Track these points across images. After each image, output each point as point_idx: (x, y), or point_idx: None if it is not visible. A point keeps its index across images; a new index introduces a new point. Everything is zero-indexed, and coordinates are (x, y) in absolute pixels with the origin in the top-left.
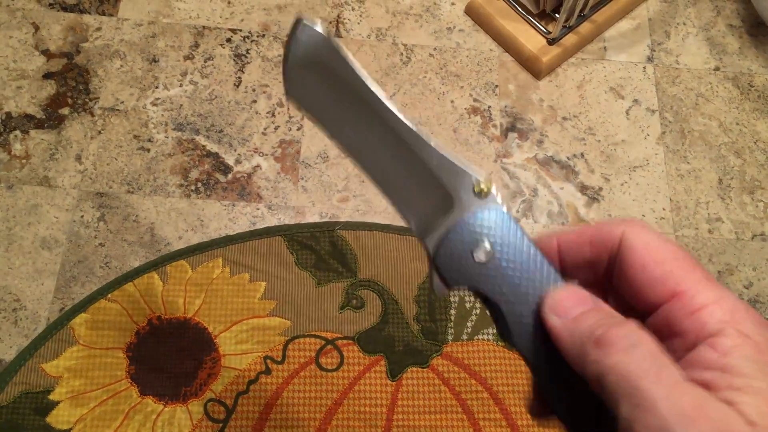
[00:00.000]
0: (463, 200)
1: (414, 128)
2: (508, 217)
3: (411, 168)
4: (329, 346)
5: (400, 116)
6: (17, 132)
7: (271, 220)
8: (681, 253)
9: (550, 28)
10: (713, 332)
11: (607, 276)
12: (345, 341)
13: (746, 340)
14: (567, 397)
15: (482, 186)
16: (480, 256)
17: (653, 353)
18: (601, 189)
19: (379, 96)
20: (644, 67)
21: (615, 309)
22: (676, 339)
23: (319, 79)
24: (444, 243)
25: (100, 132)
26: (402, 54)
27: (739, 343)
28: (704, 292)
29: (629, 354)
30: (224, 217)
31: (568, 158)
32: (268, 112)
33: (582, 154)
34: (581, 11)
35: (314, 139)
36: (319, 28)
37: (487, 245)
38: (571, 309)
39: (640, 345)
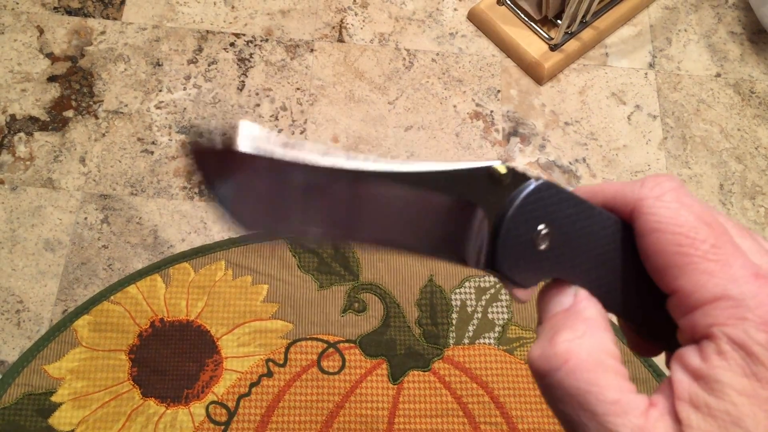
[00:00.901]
0: (491, 199)
1: (397, 167)
2: (545, 187)
3: (421, 208)
4: (331, 349)
5: (376, 166)
6: (21, 134)
7: None
8: (690, 236)
9: (553, 34)
10: (705, 335)
11: None
12: (347, 344)
13: (736, 348)
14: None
15: (501, 170)
16: (543, 243)
17: (576, 375)
18: None
19: (342, 164)
20: (646, 73)
21: None
22: (684, 335)
23: (264, 191)
24: (502, 252)
25: (104, 134)
26: (405, 59)
27: (726, 351)
28: (702, 290)
29: (553, 382)
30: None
31: (570, 163)
32: (271, 116)
33: (584, 159)
34: (583, 17)
35: (317, 143)
36: (219, 141)
37: (544, 228)
38: (547, 311)
39: (561, 367)
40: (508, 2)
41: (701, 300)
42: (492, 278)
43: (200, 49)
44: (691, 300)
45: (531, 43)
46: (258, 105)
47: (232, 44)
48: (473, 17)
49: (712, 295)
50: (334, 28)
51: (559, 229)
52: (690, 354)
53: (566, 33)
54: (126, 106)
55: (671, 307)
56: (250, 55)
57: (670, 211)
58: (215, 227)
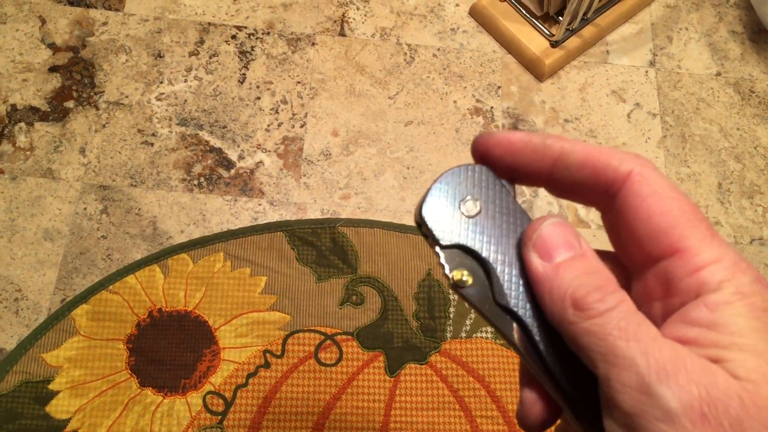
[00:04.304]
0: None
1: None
2: (471, 168)
3: None
4: (328, 341)
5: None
6: (22, 124)
7: (273, 216)
8: (688, 204)
9: (554, 30)
10: (711, 291)
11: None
12: (344, 336)
13: (741, 298)
14: (566, 367)
15: (460, 277)
16: (470, 211)
17: (629, 312)
18: None
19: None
20: (646, 71)
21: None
22: (673, 298)
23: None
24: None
25: (104, 125)
26: (406, 54)
27: (733, 301)
28: (707, 251)
29: (605, 316)
30: (226, 212)
31: None
32: (271, 109)
33: None
34: (584, 15)
35: (317, 137)
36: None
37: (471, 200)
38: (555, 251)
39: (618, 306)
40: None
41: (708, 259)
42: None
43: (202, 42)
44: (698, 259)
45: (532, 40)
46: (258, 98)
47: (233, 37)
48: (475, 13)
49: (717, 254)
50: (335, 21)
51: (486, 206)
52: (696, 308)
53: (567, 30)
54: (127, 97)
55: (669, 269)
56: (252, 48)
57: (669, 184)
58: (214, 219)
